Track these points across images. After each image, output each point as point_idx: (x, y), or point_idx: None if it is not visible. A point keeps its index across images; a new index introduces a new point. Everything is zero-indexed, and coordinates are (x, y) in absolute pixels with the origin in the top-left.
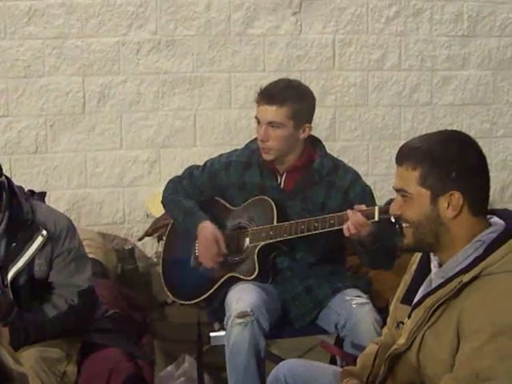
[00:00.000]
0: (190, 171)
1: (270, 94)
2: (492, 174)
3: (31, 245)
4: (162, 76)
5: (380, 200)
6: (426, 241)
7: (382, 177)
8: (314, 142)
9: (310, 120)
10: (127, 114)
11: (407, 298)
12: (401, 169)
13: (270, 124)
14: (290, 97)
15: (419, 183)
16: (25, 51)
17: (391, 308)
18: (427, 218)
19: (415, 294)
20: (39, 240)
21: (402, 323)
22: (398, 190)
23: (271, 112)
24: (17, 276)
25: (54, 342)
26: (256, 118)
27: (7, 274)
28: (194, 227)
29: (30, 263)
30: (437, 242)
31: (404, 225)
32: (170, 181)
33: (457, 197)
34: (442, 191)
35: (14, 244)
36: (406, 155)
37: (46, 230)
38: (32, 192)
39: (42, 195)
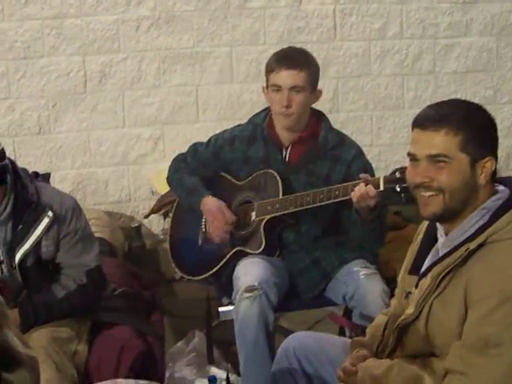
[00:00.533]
0: (195, 148)
1: (290, 59)
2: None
3: (37, 226)
4: (162, 52)
5: (385, 170)
6: (456, 208)
7: (387, 147)
8: (318, 115)
9: (317, 85)
10: (129, 92)
11: (414, 268)
12: (437, 134)
13: (294, 88)
14: (306, 61)
15: (460, 148)
16: (24, 32)
17: (399, 279)
18: (466, 183)
19: (422, 264)
20: (45, 221)
21: (411, 293)
22: (430, 156)
23: (293, 76)
24: (24, 258)
25: (64, 321)
26: (274, 85)
27: (14, 256)
28: (197, 204)
29: (37, 244)
30: (463, 209)
31: (429, 193)
32: (175, 159)
33: (490, 163)
34: (480, 157)
35: (21, 226)
36: (443, 120)
37: (51, 210)
38: (36, 174)
39: (46, 176)
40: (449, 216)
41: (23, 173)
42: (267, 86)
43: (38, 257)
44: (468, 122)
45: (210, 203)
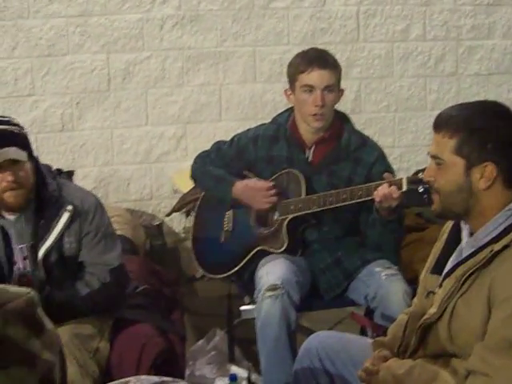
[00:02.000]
0: (218, 146)
1: (321, 59)
2: None
3: (58, 221)
4: (186, 51)
5: (407, 171)
6: (454, 210)
7: (409, 148)
8: (342, 117)
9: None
10: (152, 90)
11: (437, 268)
12: (438, 136)
13: (327, 88)
14: (334, 61)
15: (454, 151)
16: (48, 30)
17: (421, 278)
18: (459, 187)
19: (445, 264)
20: (66, 216)
21: (433, 293)
22: (433, 157)
23: (327, 75)
24: (48, 254)
25: (87, 318)
26: (306, 85)
27: (38, 251)
28: (228, 191)
29: (60, 241)
30: (465, 212)
31: (433, 192)
32: (198, 156)
33: (490, 169)
34: (477, 162)
35: (43, 222)
36: (444, 122)
37: (71, 205)
38: (59, 171)
39: (69, 174)
40: (453, 216)
41: (46, 169)
42: (293, 89)
43: (61, 253)
44: (465, 125)
45: (243, 184)
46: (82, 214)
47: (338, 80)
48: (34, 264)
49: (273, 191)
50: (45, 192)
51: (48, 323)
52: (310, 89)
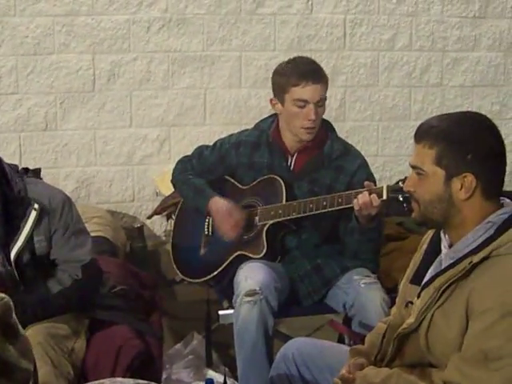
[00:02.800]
0: (200, 151)
1: (315, 72)
2: None
3: (27, 221)
4: (172, 54)
5: (390, 180)
6: (434, 219)
7: (392, 157)
8: (325, 124)
9: None
10: (137, 92)
11: (417, 278)
12: (418, 146)
13: (319, 102)
14: (324, 73)
15: (435, 162)
16: (34, 28)
17: (400, 287)
18: (439, 197)
19: (425, 274)
20: (33, 215)
21: (411, 303)
22: (413, 167)
23: (319, 90)
24: (19, 254)
25: (62, 319)
26: (299, 100)
27: (10, 253)
28: (204, 204)
29: (30, 240)
30: (445, 222)
31: (413, 201)
32: (180, 161)
33: (470, 179)
34: (456, 172)
35: (11, 223)
36: (424, 133)
37: (37, 203)
38: (26, 169)
39: (36, 172)
40: (432, 225)
41: (12, 169)
42: (281, 99)
43: (32, 253)
44: (445, 136)
45: (220, 204)
46: (50, 211)
47: (326, 91)
48: (7, 265)
49: (240, 227)
50: (10, 193)
51: (20, 328)
52: (304, 103)
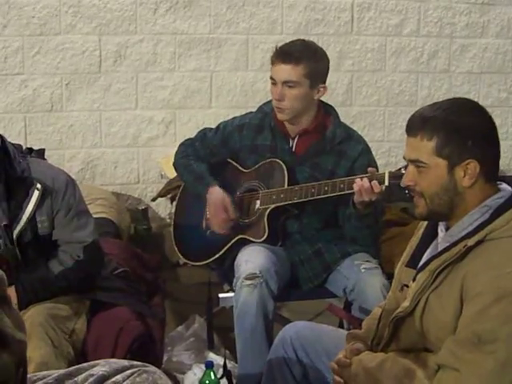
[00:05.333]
0: (203, 133)
1: (285, 53)
2: (509, 143)
3: (29, 201)
4: (178, 37)
5: (395, 166)
6: (440, 211)
7: (398, 143)
8: (328, 109)
9: (324, 81)
10: (143, 74)
11: (413, 262)
12: (414, 139)
13: (286, 83)
14: (305, 55)
15: (435, 153)
16: (41, 9)
17: (396, 271)
18: (444, 188)
19: (421, 258)
20: (35, 195)
21: (407, 286)
22: (411, 161)
23: (287, 71)
24: (22, 234)
25: (63, 299)
26: (271, 78)
27: (12, 232)
28: (203, 192)
29: (32, 220)
30: (451, 212)
31: (415, 196)
32: (182, 144)
33: (473, 166)
34: (459, 160)
35: (14, 202)
36: (420, 125)
37: (40, 183)
38: (30, 150)
39: (40, 152)
40: (439, 217)
41: (15, 149)
42: None
43: (34, 233)
44: (443, 126)
45: (216, 195)
46: (52, 192)
47: (312, 75)
48: (9, 245)
49: (230, 224)
50: (13, 172)
51: (12, 302)
52: (274, 82)
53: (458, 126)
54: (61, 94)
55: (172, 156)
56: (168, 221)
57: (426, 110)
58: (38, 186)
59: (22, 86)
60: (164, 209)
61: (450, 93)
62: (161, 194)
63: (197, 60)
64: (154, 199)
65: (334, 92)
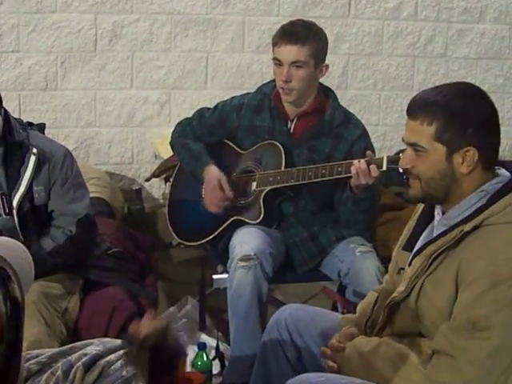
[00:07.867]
0: (201, 112)
1: (291, 34)
2: (504, 129)
3: (26, 167)
4: (175, 16)
5: (390, 150)
6: (435, 195)
7: (393, 127)
8: (327, 92)
9: (324, 60)
10: (139, 54)
11: (409, 245)
12: (414, 123)
13: (294, 64)
14: (310, 35)
15: (435, 138)
16: None
17: (393, 254)
18: (441, 173)
19: (417, 241)
20: (32, 159)
21: (403, 269)
22: (410, 144)
23: (294, 51)
24: (20, 203)
25: (56, 278)
26: (276, 59)
27: (11, 200)
28: (199, 171)
29: (30, 189)
30: (445, 197)
31: (411, 178)
32: (179, 123)
33: (472, 153)
34: (458, 147)
35: (12, 169)
36: (421, 109)
37: (37, 149)
38: (31, 123)
39: (40, 126)
40: (432, 201)
41: (16, 121)
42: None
43: (32, 203)
44: (444, 111)
45: (213, 174)
46: (50, 161)
47: (317, 55)
48: (8, 213)
49: (225, 204)
50: (11, 139)
51: None
52: (279, 63)
53: (459, 112)
54: (56, 73)
55: (166, 136)
56: (161, 201)
57: (428, 93)
58: (34, 150)
59: (17, 64)
60: (158, 189)
61: (447, 78)
62: (155, 175)
63: (193, 40)
64: (147, 179)
65: (329, 75)
